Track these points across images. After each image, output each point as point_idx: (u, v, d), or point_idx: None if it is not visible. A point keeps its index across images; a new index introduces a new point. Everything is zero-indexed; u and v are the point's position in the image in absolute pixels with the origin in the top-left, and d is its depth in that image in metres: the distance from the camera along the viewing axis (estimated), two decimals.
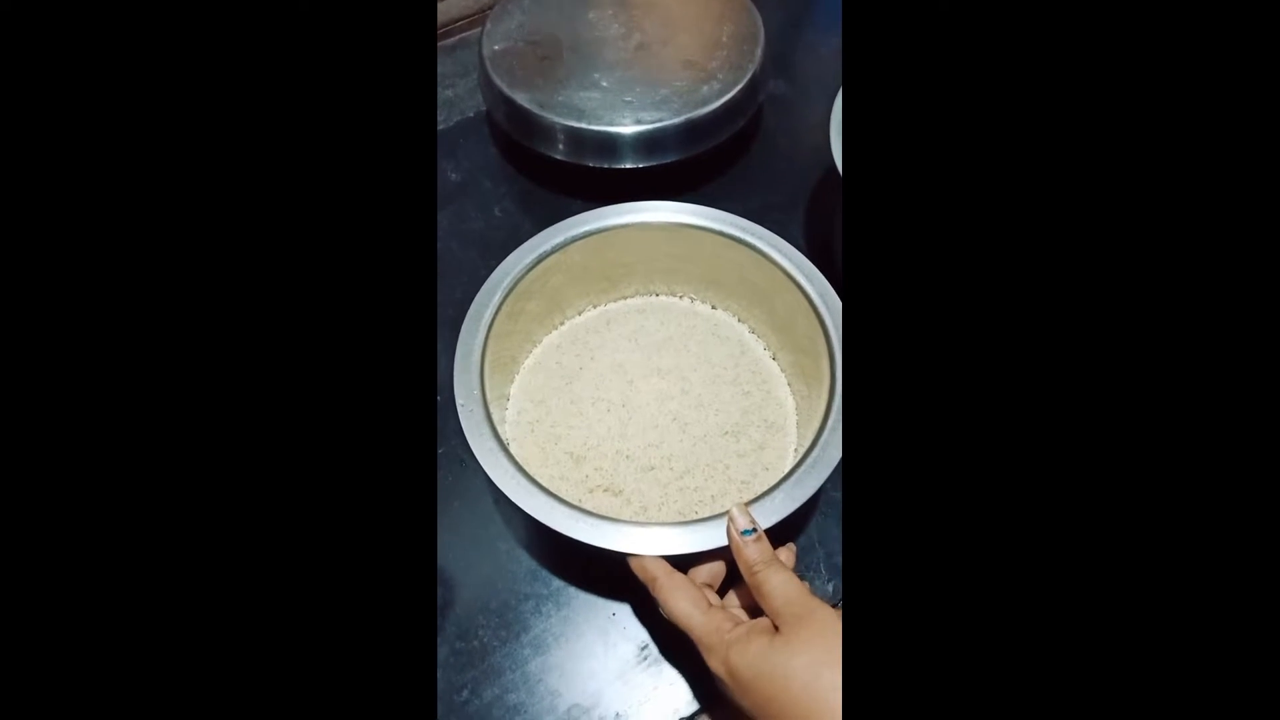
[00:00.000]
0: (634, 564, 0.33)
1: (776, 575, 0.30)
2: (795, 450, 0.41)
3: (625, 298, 0.48)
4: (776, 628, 0.29)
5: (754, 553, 0.31)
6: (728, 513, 0.32)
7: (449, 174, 0.57)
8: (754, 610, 0.33)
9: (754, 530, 0.32)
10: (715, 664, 0.30)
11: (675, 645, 0.38)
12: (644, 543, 0.32)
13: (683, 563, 0.33)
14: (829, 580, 0.41)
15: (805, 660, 0.27)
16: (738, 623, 0.30)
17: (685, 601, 0.31)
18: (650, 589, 0.33)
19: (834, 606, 0.34)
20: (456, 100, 0.62)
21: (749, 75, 0.53)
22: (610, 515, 0.34)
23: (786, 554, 0.34)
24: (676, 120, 0.50)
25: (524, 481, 0.34)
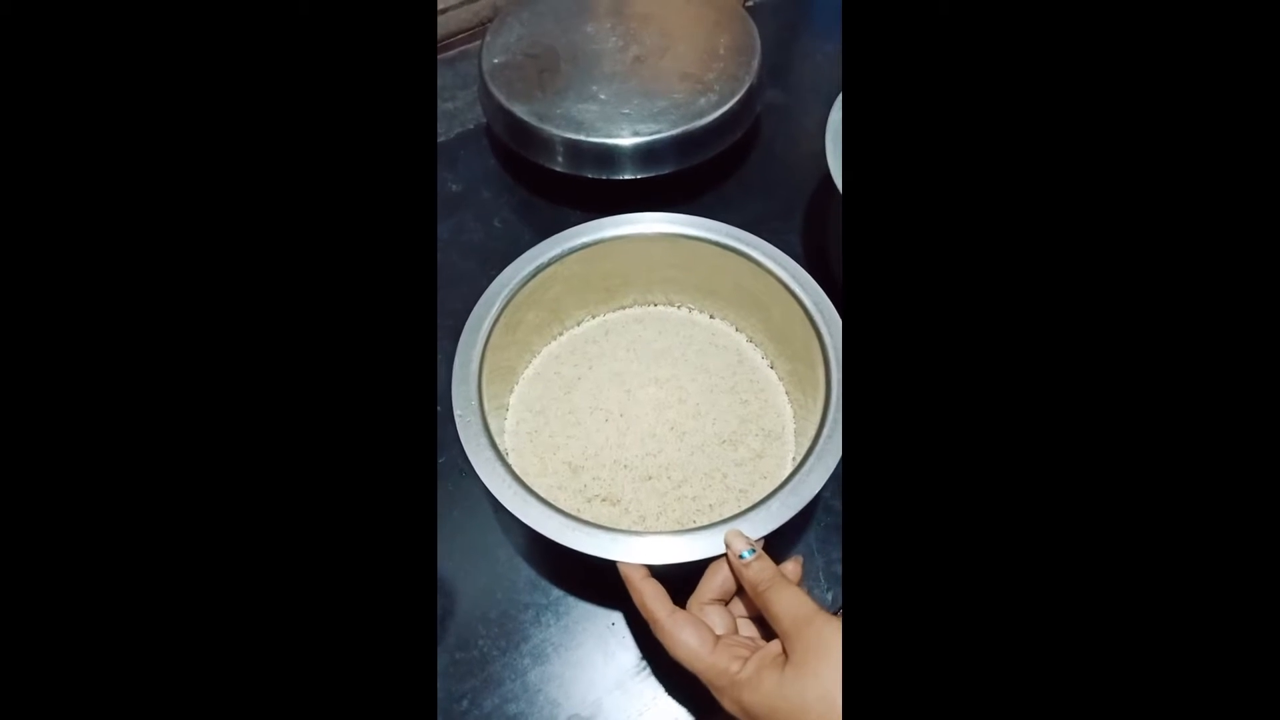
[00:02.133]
0: (636, 601, 0.33)
1: (783, 594, 0.30)
2: (793, 458, 0.42)
3: (623, 308, 0.48)
4: (786, 652, 0.29)
5: (755, 573, 0.31)
6: (725, 537, 0.32)
7: (449, 185, 0.58)
8: (761, 619, 0.32)
9: (753, 551, 0.32)
10: (728, 704, 0.30)
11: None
12: (641, 552, 0.33)
13: (691, 571, 0.33)
14: (828, 589, 0.41)
15: (818, 692, 0.27)
16: (745, 659, 0.30)
17: (690, 641, 0.31)
18: (653, 630, 0.32)
19: (836, 614, 0.33)
20: (456, 112, 0.62)
21: (746, 86, 0.53)
22: (608, 525, 0.34)
23: (794, 565, 0.34)
24: (674, 132, 0.51)
25: (521, 491, 0.34)
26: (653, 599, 0.32)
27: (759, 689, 0.28)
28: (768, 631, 0.32)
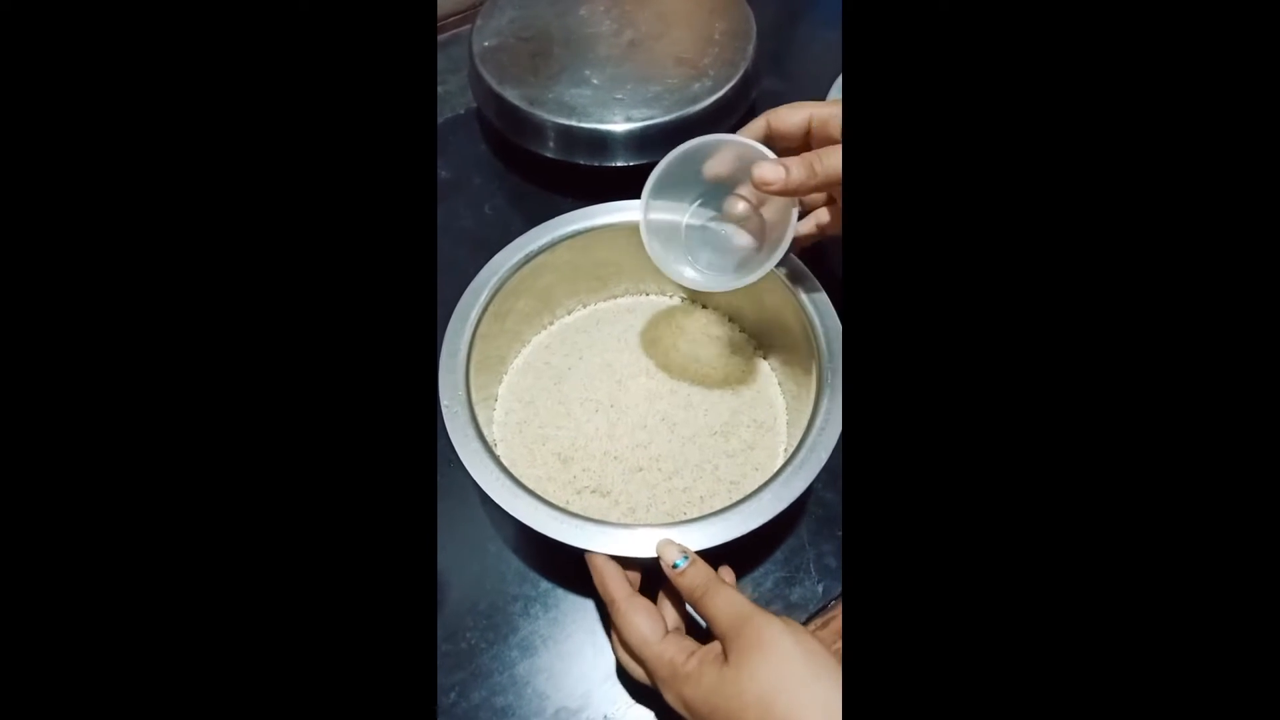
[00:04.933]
0: (596, 581, 0.33)
1: (719, 597, 0.30)
2: (785, 450, 0.41)
3: (615, 297, 0.47)
4: (725, 653, 0.29)
5: (690, 580, 0.31)
6: (656, 547, 0.32)
7: (440, 171, 0.57)
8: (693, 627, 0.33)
9: (686, 559, 0.31)
10: (670, 697, 0.30)
11: None
12: (631, 545, 0.32)
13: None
14: (819, 581, 0.41)
15: (755, 693, 0.27)
16: (690, 653, 0.30)
17: (643, 628, 0.31)
18: (610, 612, 0.32)
19: (809, 619, 0.33)
20: (447, 97, 0.62)
21: (741, 72, 0.52)
22: (598, 517, 0.34)
23: (725, 573, 0.34)
24: (668, 118, 0.50)
25: (508, 483, 0.34)
26: (614, 581, 0.32)
27: (699, 684, 0.29)
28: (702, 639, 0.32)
